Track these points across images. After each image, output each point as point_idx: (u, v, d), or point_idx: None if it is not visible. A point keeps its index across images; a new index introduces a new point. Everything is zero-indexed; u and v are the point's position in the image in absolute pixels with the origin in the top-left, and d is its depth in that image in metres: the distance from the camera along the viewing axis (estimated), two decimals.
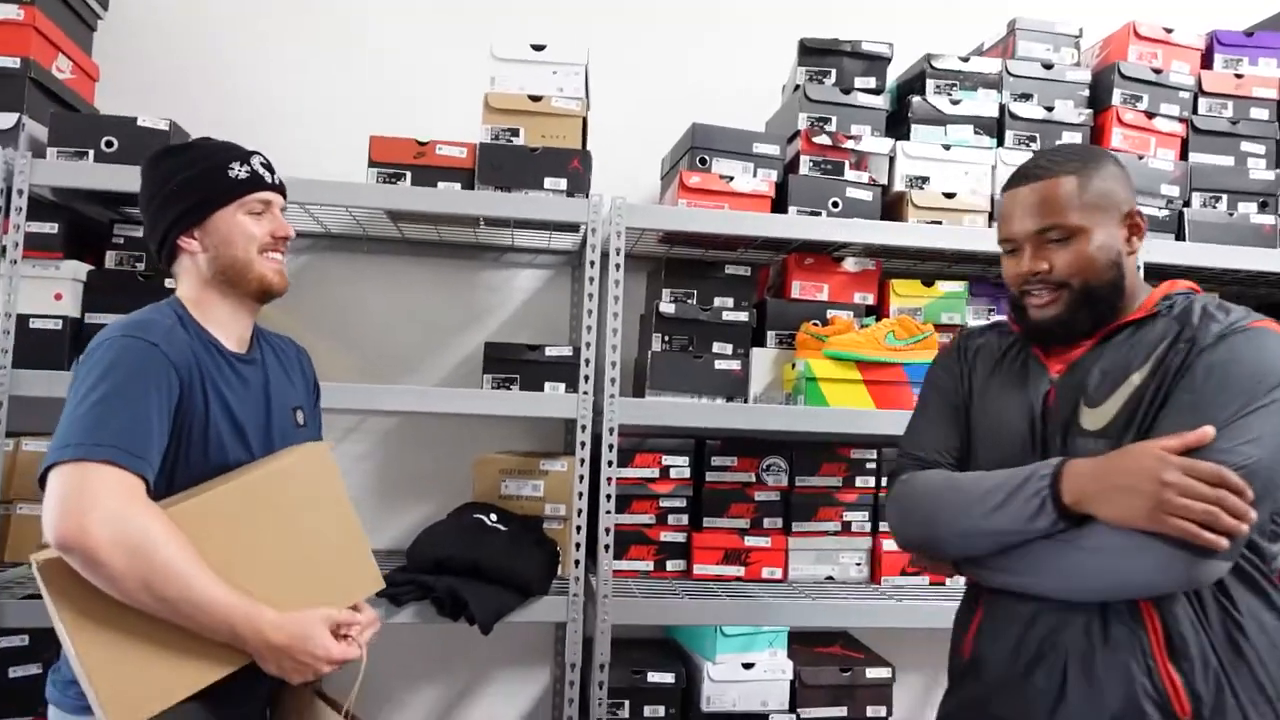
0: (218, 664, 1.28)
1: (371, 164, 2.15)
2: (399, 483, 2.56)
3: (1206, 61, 2.48)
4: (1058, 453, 1.25)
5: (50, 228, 2.10)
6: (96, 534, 1.17)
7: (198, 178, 1.43)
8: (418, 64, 2.60)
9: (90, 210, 2.25)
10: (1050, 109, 2.37)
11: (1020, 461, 1.26)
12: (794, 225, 2.19)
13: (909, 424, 1.48)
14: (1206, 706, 1.16)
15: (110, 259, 2.17)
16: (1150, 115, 2.39)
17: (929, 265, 2.58)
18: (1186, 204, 2.40)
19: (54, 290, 2.06)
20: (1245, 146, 2.44)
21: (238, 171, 1.44)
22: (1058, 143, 2.35)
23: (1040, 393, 1.31)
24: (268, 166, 1.50)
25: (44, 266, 2.05)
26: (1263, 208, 2.41)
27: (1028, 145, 2.36)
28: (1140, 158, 2.38)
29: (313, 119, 2.55)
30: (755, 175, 2.28)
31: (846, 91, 2.33)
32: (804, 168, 2.28)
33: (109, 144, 2.06)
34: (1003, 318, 1.45)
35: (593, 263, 2.11)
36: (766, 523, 2.36)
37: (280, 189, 1.51)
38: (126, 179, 2.02)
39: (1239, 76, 2.44)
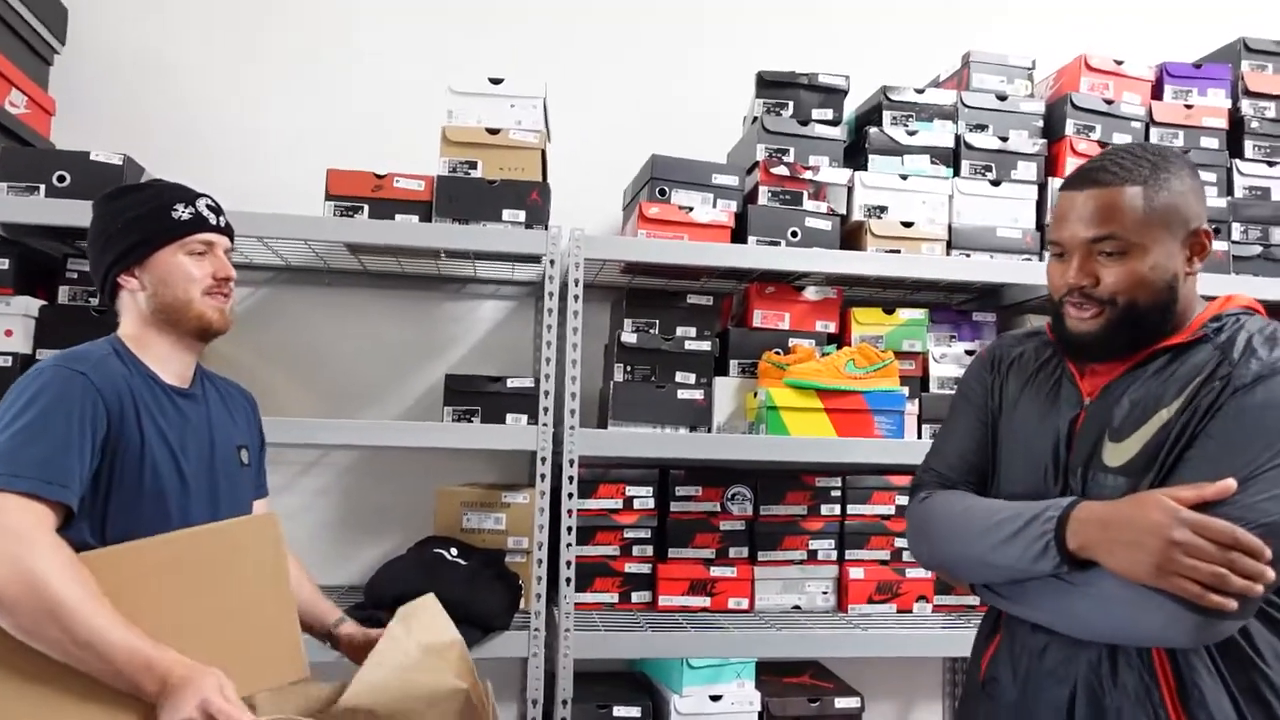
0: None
1: (329, 197, 2.14)
2: (360, 517, 2.53)
3: (1157, 92, 2.52)
4: (1077, 486, 1.20)
5: (1, 263, 2.07)
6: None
7: (142, 218, 1.45)
8: (376, 97, 2.60)
9: (43, 245, 2.22)
10: (1005, 139, 2.41)
11: (1041, 488, 1.23)
12: (752, 255, 2.20)
13: (938, 432, 1.44)
14: None
15: (63, 294, 2.14)
16: (1103, 145, 2.43)
17: (890, 293, 2.60)
18: None
19: (4, 326, 2.03)
20: None
21: (181, 213, 1.46)
22: (1013, 173, 2.39)
23: (1068, 418, 1.24)
24: (214, 209, 1.51)
25: None
26: (1216, 235, 2.45)
27: (983, 174, 2.39)
28: None
29: (270, 152, 2.54)
30: (715, 206, 2.29)
31: (804, 123, 2.35)
32: (763, 198, 2.30)
33: (61, 179, 2.04)
34: (1042, 326, 1.38)
35: (551, 294, 2.11)
36: (732, 552, 2.35)
37: (225, 231, 1.53)
38: (78, 214, 1.98)
39: (1189, 107, 2.49)
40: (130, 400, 1.37)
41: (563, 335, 2.12)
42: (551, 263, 2.12)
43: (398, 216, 2.14)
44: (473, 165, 2.18)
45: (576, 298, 2.11)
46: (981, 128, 2.43)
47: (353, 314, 2.57)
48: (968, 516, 1.25)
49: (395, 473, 2.53)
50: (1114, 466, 1.17)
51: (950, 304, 2.67)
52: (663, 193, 2.28)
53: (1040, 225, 2.39)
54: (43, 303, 2.09)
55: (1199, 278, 1.22)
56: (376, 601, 1.97)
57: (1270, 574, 1.04)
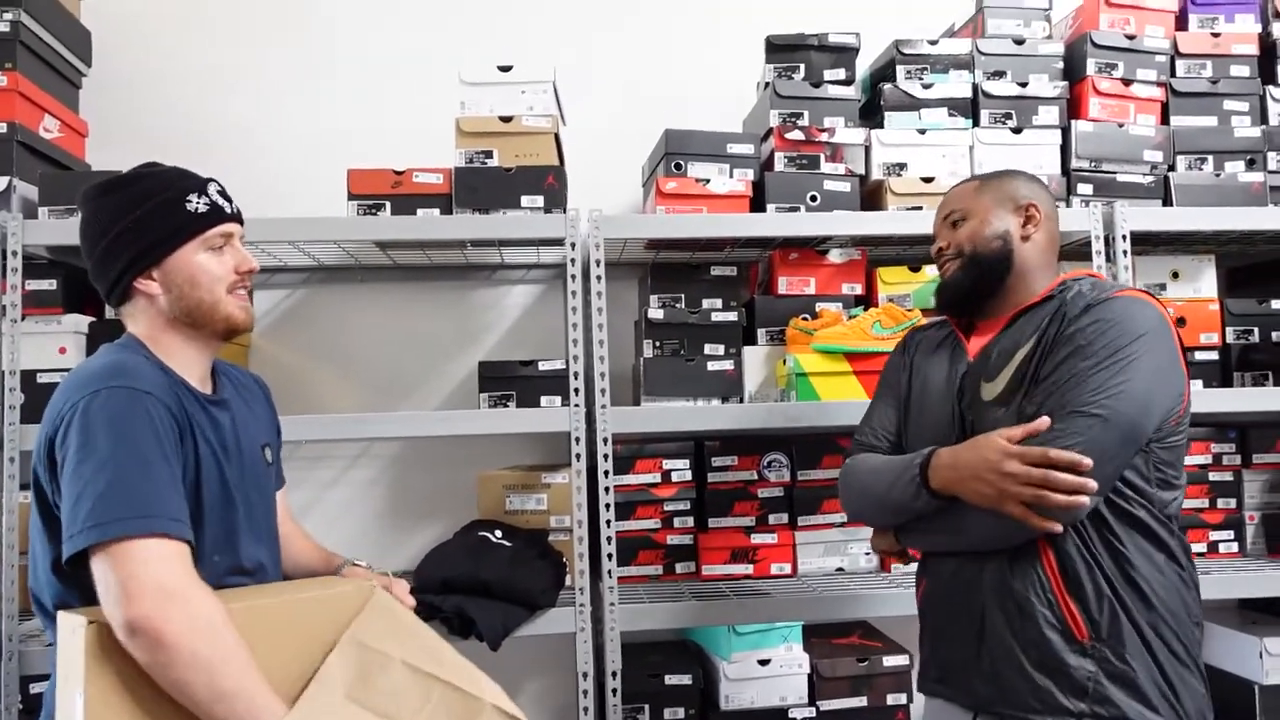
0: None
1: (351, 196, 2.19)
2: (407, 505, 2.60)
3: (1181, 23, 2.45)
4: (970, 425, 1.49)
5: (49, 284, 2.16)
6: (173, 618, 1.10)
7: (154, 214, 1.31)
8: (390, 93, 2.64)
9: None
10: (1024, 84, 2.36)
11: (946, 435, 1.51)
12: (772, 223, 2.21)
13: (866, 409, 1.73)
14: (1103, 629, 1.37)
15: (109, 310, 2.22)
16: (1127, 82, 2.38)
17: (916, 250, 2.57)
18: (1171, 168, 2.38)
19: (58, 344, 2.12)
20: (1228, 105, 2.42)
21: (196, 204, 1.33)
22: (1034, 119, 2.36)
23: (959, 373, 1.55)
24: (224, 194, 1.39)
25: (45, 322, 2.11)
26: (1250, 165, 2.39)
27: (1004, 123, 2.35)
28: (1120, 125, 2.36)
29: (293, 156, 2.60)
30: (731, 176, 2.29)
31: (816, 85, 2.34)
32: (779, 164, 2.29)
33: None
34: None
35: (574, 276, 2.14)
36: (772, 519, 2.37)
37: (238, 218, 1.41)
38: None
39: (1216, 35, 2.42)
40: (185, 418, 1.29)
41: (588, 316, 2.15)
42: (572, 245, 2.14)
43: (419, 211, 2.18)
44: (488, 154, 2.21)
45: (599, 278, 2.14)
46: (999, 75, 2.38)
47: (387, 308, 2.63)
48: (870, 473, 1.56)
49: (438, 460, 2.60)
50: (989, 400, 1.46)
51: None
52: (679, 166, 2.29)
53: (1065, 170, 2.35)
54: (91, 319, 2.18)
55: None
56: (425, 586, 2.03)
57: (1091, 483, 1.30)
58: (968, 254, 1.54)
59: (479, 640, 1.94)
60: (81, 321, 2.15)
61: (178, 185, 1.35)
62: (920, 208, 2.28)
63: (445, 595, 1.99)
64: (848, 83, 2.36)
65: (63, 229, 2.08)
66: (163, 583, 1.12)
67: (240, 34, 2.65)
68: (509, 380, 2.24)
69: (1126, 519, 1.40)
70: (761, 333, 2.37)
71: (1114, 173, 2.35)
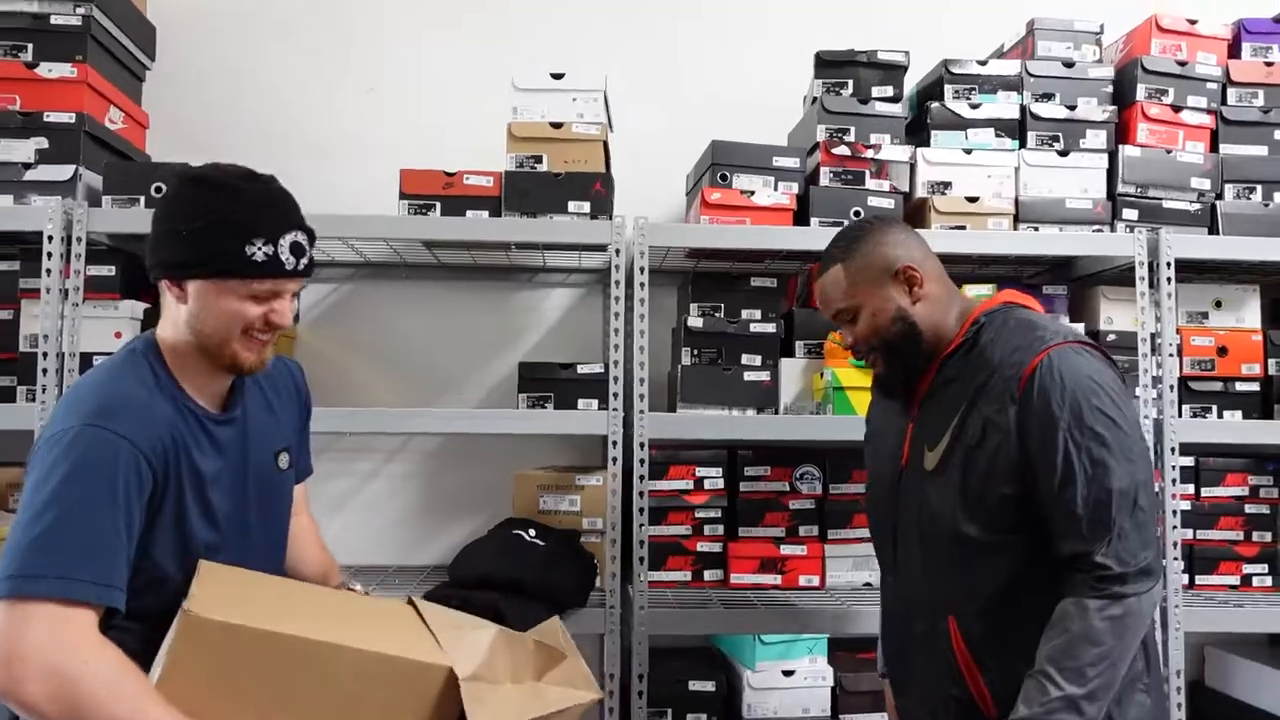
0: None
1: (402, 196, 2.23)
2: (443, 500, 2.65)
3: (1234, 51, 2.44)
4: (906, 487, 1.49)
5: (108, 270, 2.22)
6: (31, 690, 1.07)
7: (211, 236, 1.23)
8: (444, 98, 2.69)
9: (143, 252, 2.37)
10: (1073, 107, 2.36)
11: (889, 494, 1.52)
12: (814, 236, 2.22)
13: None
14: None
15: None
16: (1177, 109, 2.37)
17: (958, 268, 2.57)
18: (1219, 196, 2.37)
19: (114, 329, 2.18)
20: (1279, 135, 2.40)
21: (256, 251, 1.23)
22: (1081, 142, 2.36)
23: (901, 431, 1.53)
24: (299, 248, 1.28)
25: (104, 307, 2.17)
26: None
27: (1050, 145, 2.36)
28: (1168, 152, 2.36)
29: (346, 154, 2.66)
30: (776, 189, 2.31)
31: (864, 101, 2.35)
32: (824, 179, 2.31)
33: (158, 189, 2.18)
34: None
35: (617, 282, 2.17)
36: (802, 531, 2.38)
37: (304, 272, 1.29)
38: None
39: (1269, 64, 2.40)
40: (172, 448, 1.23)
41: (630, 321, 2.18)
42: (617, 251, 2.17)
43: (468, 212, 2.22)
44: (538, 159, 2.25)
45: (642, 285, 2.16)
46: (1048, 97, 2.38)
47: (430, 306, 2.68)
48: None
49: (475, 458, 2.64)
50: (929, 470, 1.44)
51: (1020, 278, 2.63)
52: (724, 178, 2.31)
53: (1111, 194, 2.35)
54: (146, 305, 2.24)
55: None
56: (460, 582, 2.07)
57: None
58: (879, 346, 1.49)
59: None
60: (137, 308, 2.21)
61: (249, 221, 1.24)
62: (964, 227, 2.29)
63: (478, 591, 2.02)
64: (895, 100, 2.38)
65: (124, 218, 2.14)
66: (30, 654, 1.08)
67: (301, 35, 2.71)
68: (548, 382, 2.27)
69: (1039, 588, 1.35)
70: (799, 345, 2.38)
71: (1160, 199, 2.35)
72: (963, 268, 2.57)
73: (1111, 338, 2.38)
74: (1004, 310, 1.47)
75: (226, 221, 1.24)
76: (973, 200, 2.31)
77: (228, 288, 1.24)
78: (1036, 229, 2.31)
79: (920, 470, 1.46)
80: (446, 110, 2.68)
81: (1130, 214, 2.34)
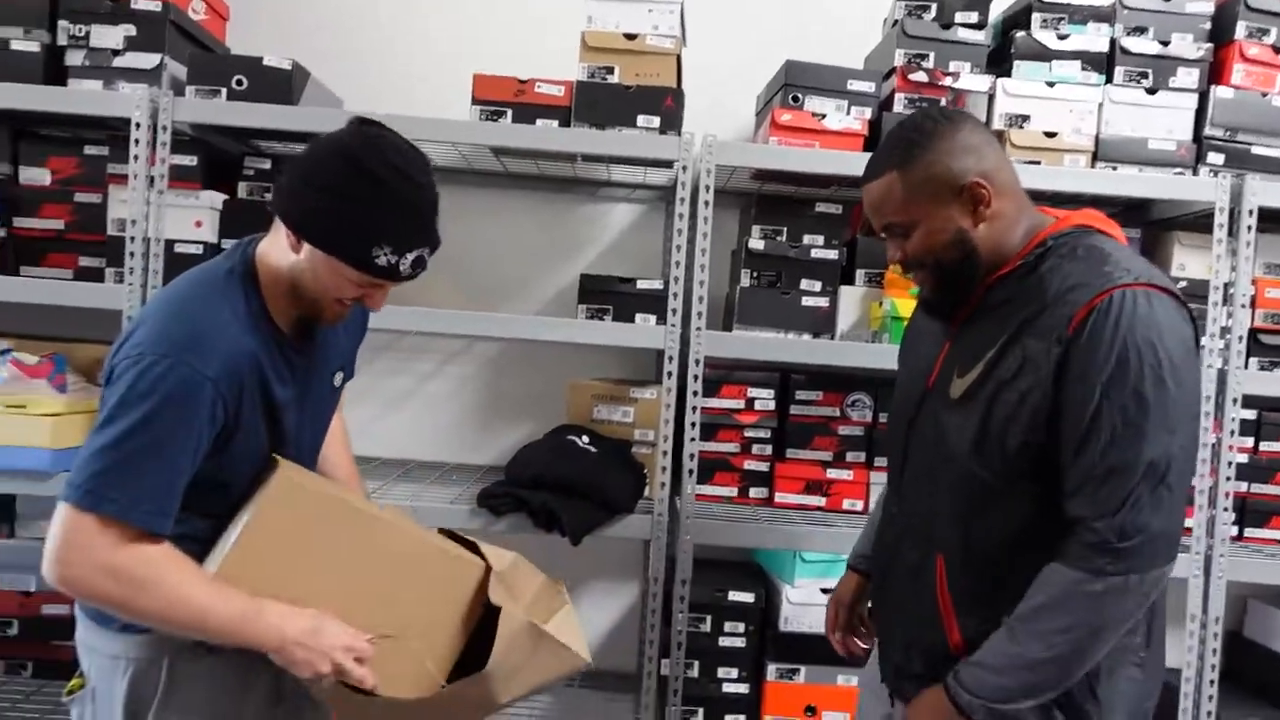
0: None
1: (474, 101, 2.25)
2: (501, 404, 2.73)
3: None
4: (931, 418, 1.36)
5: (190, 160, 2.30)
6: (76, 584, 1.21)
7: (344, 224, 1.25)
8: (518, 2, 2.67)
9: (224, 143, 2.44)
10: (1166, 43, 2.28)
11: (907, 410, 1.42)
12: None
13: None
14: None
15: (242, 189, 2.36)
16: (1278, 50, 2.27)
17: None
18: None
19: (195, 218, 2.25)
20: None
21: (380, 256, 1.26)
22: (1171, 81, 2.27)
23: (935, 351, 1.40)
24: (419, 263, 1.31)
25: (185, 196, 2.24)
26: None
27: (1139, 82, 2.28)
28: (1263, 95, 2.27)
29: (421, 57, 2.67)
30: (848, 113, 2.28)
31: (946, 27, 2.29)
32: (898, 105, 2.27)
33: (239, 82, 2.22)
34: None
35: (682, 199, 2.18)
36: (849, 456, 2.42)
37: (410, 278, 1.33)
38: (254, 115, 2.19)
39: None
40: (254, 377, 1.30)
41: (693, 240, 2.19)
42: (684, 168, 2.18)
43: (538, 121, 2.23)
44: (610, 71, 2.24)
45: (707, 203, 2.17)
46: (1140, 31, 2.30)
47: (495, 214, 2.72)
48: None
49: (533, 365, 2.71)
50: (955, 398, 1.31)
51: None
52: (796, 99, 2.28)
53: (1198, 137, 2.28)
54: (225, 196, 2.31)
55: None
56: (515, 480, 2.16)
57: None
58: (930, 266, 1.33)
59: (561, 535, 2.06)
60: (216, 199, 2.28)
61: (384, 226, 1.26)
62: (1039, 162, 2.24)
63: (533, 491, 2.11)
64: (979, 27, 2.31)
65: (207, 108, 2.20)
66: (84, 556, 1.19)
67: None
68: (607, 295, 2.31)
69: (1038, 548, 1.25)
70: (860, 273, 2.38)
71: (1249, 144, 2.27)
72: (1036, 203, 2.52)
73: (1182, 284, 2.33)
74: (1076, 235, 1.29)
75: (363, 217, 1.25)
76: (1051, 135, 2.25)
77: (340, 268, 1.28)
78: (1115, 169, 2.25)
79: (945, 396, 1.33)
80: (521, 15, 2.66)
81: (1215, 158, 2.26)
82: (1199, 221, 2.28)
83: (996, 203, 1.29)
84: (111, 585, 1.20)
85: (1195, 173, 2.26)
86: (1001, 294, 1.30)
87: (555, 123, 2.24)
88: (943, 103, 2.27)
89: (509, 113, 2.25)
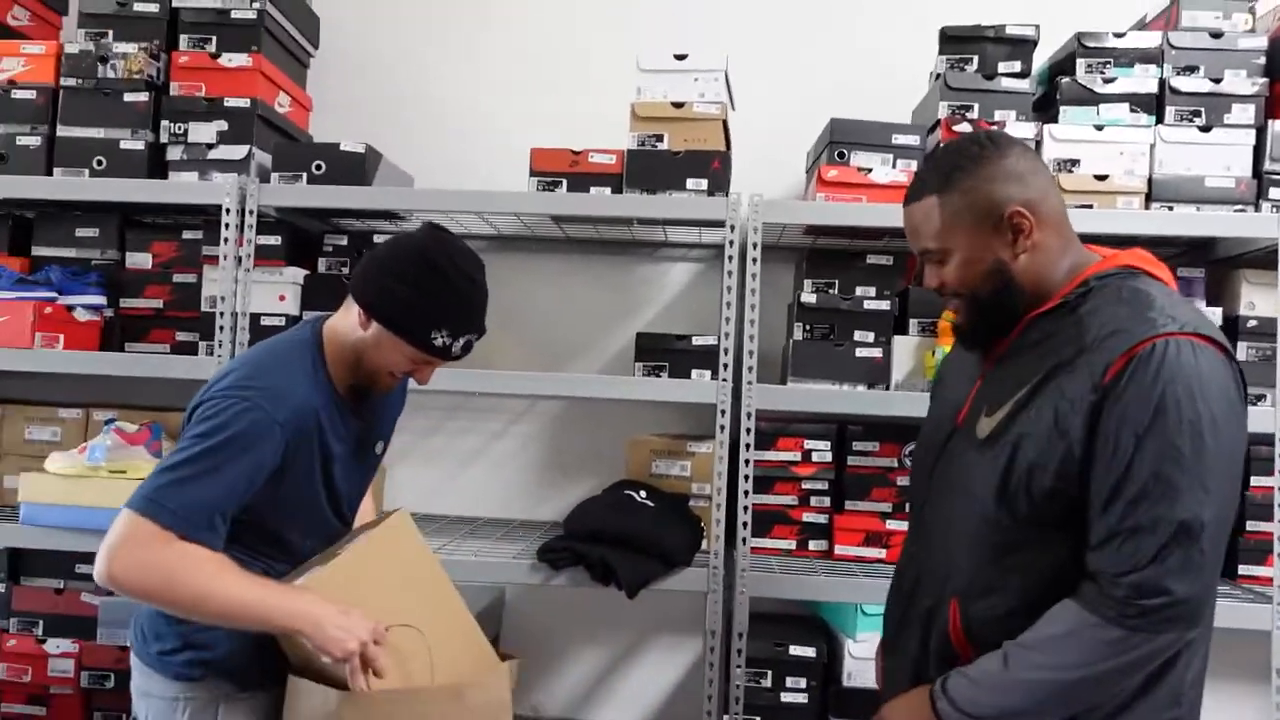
0: None
1: (532, 173, 2.38)
2: (563, 460, 2.82)
3: None
4: (957, 457, 1.33)
5: (275, 240, 2.48)
6: (120, 578, 1.35)
7: (411, 311, 1.47)
8: (571, 80, 2.82)
9: (305, 223, 2.63)
10: (1218, 80, 2.25)
11: (933, 442, 1.39)
12: None
13: None
14: None
15: (322, 265, 2.54)
16: None
17: None
18: None
19: (279, 292, 2.44)
20: None
21: (437, 339, 1.48)
22: (1225, 118, 2.23)
23: (969, 386, 1.36)
24: (468, 346, 1.53)
25: (270, 273, 2.43)
26: None
27: (1191, 120, 2.25)
28: None
29: (482, 131, 2.84)
30: (894, 166, 2.32)
31: (989, 77, 2.32)
32: None
33: (318, 167, 2.41)
34: None
35: (731, 257, 2.24)
36: (909, 507, 2.40)
37: (458, 359, 1.54)
38: (332, 197, 2.38)
39: None
40: (314, 428, 1.48)
41: (742, 296, 2.25)
42: (732, 227, 2.25)
43: (592, 188, 2.35)
44: (659, 138, 2.35)
45: (755, 260, 2.23)
46: (1191, 70, 2.28)
47: (556, 278, 2.84)
48: None
49: (594, 422, 2.79)
50: (981, 438, 1.28)
51: None
52: (842, 155, 2.34)
53: (1258, 173, 2.23)
54: (306, 272, 2.49)
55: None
56: (573, 534, 2.22)
57: None
58: (966, 296, 1.30)
59: (618, 589, 2.10)
60: (299, 274, 2.46)
61: (444, 316, 1.48)
62: (1090, 206, 2.23)
63: (591, 545, 2.17)
64: (1023, 75, 2.33)
65: (290, 193, 2.39)
66: (130, 552, 1.36)
67: (447, 23, 2.90)
68: (663, 352, 2.38)
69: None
70: (913, 323, 2.39)
71: None
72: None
73: (1252, 324, 2.27)
74: (1122, 276, 1.24)
75: (428, 305, 1.48)
76: (1101, 178, 2.24)
77: (401, 346, 1.50)
78: (1171, 208, 2.22)
79: (972, 434, 1.29)
80: (574, 93, 2.81)
81: (1278, 193, 2.21)
82: (1267, 258, 2.22)
83: (1038, 234, 1.25)
84: (154, 578, 1.35)
85: (1258, 208, 2.21)
86: (1039, 332, 1.27)
87: (608, 189, 2.35)
88: None
89: (564, 182, 2.37)
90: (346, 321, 1.54)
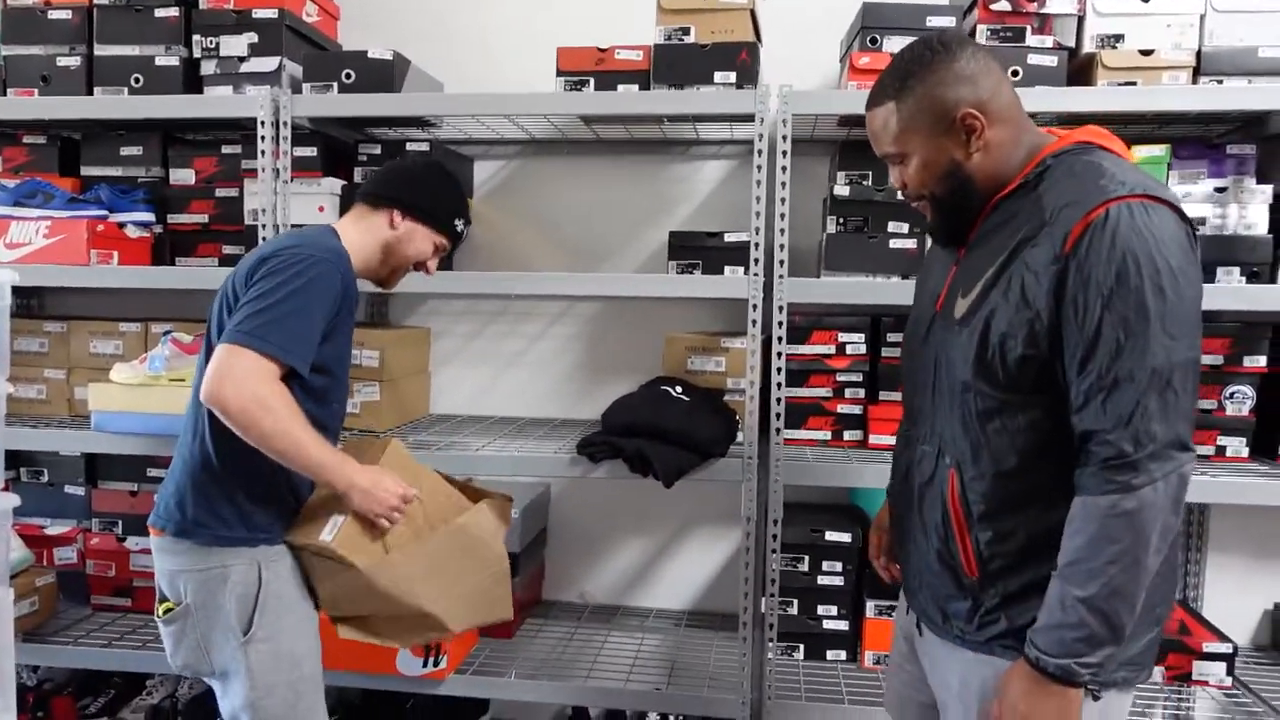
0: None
1: (559, 73, 2.36)
2: (602, 360, 2.88)
3: None
4: (939, 339, 1.41)
5: (310, 151, 2.52)
6: (230, 399, 1.59)
7: (442, 203, 1.92)
8: None
9: (339, 133, 2.66)
10: None
11: (918, 330, 1.49)
12: None
13: None
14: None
15: (358, 174, 2.58)
16: None
17: (1130, 130, 2.42)
18: None
19: (317, 203, 2.49)
20: None
21: (458, 224, 1.95)
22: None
23: (944, 279, 1.45)
24: (465, 232, 2.00)
25: (308, 184, 2.48)
26: None
27: None
28: None
29: (508, 34, 2.81)
30: None
31: None
32: (982, 37, 2.23)
33: (348, 75, 2.43)
34: None
35: (761, 151, 2.23)
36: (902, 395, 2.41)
37: (459, 244, 2.05)
38: (364, 105, 2.39)
39: None
40: (350, 295, 1.77)
41: (772, 190, 2.24)
42: (761, 120, 2.22)
43: (619, 87, 2.33)
44: (686, 31, 2.31)
45: (785, 153, 2.21)
46: None
47: (588, 180, 2.84)
48: None
49: (630, 322, 2.83)
50: (959, 317, 1.36)
51: (1209, 137, 2.44)
52: (874, 41, 2.28)
53: None
54: (343, 182, 2.53)
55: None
56: (610, 429, 2.29)
57: None
58: (929, 196, 1.39)
59: (655, 479, 2.18)
60: (335, 184, 2.51)
61: (461, 207, 1.97)
62: (1135, 83, 2.15)
63: (628, 438, 2.24)
64: None
65: (323, 102, 2.41)
66: (237, 378, 1.59)
67: None
68: (696, 250, 2.39)
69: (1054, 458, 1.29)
70: None
71: None
72: (1137, 128, 2.42)
73: None
74: (1075, 151, 1.31)
75: (452, 200, 1.95)
76: (1147, 53, 2.16)
77: (430, 236, 1.91)
78: (1220, 82, 2.14)
79: (950, 316, 1.38)
80: None
81: None
82: None
83: (990, 132, 1.32)
84: (254, 407, 1.59)
85: None
86: (1003, 214, 1.34)
87: (635, 87, 2.33)
88: (1028, 29, 2.22)
89: (591, 81, 2.35)
90: (362, 225, 1.89)
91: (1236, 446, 2.32)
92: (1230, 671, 2.31)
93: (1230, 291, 2.18)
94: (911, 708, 1.60)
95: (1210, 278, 2.21)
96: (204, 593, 1.71)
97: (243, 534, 1.72)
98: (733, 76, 2.27)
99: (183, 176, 2.64)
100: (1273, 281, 2.21)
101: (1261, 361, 2.30)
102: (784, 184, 2.22)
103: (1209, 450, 2.32)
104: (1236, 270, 2.22)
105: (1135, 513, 1.19)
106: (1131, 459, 1.19)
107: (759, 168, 2.23)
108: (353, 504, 1.70)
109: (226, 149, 2.62)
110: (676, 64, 2.29)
